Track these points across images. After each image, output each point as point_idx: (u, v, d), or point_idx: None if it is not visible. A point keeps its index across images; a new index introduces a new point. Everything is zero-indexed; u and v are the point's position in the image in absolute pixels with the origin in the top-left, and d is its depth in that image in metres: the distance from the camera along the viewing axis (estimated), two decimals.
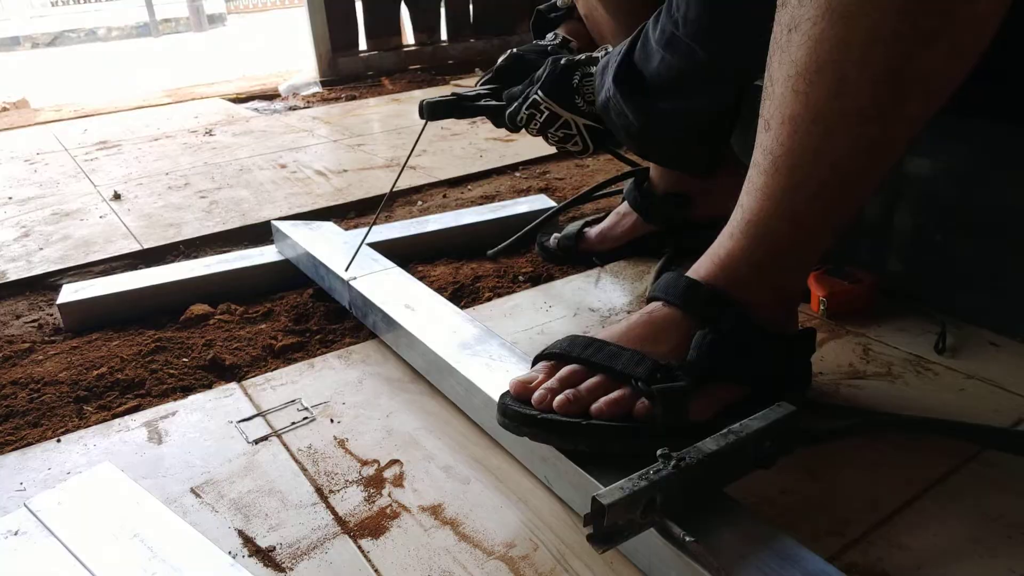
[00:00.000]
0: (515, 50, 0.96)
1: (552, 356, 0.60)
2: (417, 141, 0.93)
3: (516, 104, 0.88)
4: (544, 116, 0.86)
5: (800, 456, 0.59)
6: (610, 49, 0.85)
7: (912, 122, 0.52)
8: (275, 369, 0.84)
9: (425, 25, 3.13)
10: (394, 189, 1.07)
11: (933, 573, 0.51)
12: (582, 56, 0.87)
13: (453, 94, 0.92)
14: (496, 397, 0.60)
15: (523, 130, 0.90)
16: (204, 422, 0.74)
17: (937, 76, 0.50)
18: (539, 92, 0.86)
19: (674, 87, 0.77)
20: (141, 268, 1.11)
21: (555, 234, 1.08)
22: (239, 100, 2.76)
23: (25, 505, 0.61)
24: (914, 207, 0.83)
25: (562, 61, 0.86)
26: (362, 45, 3.02)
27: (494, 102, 0.92)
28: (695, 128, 0.84)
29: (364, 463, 0.67)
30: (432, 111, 0.90)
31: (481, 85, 0.95)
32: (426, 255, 1.12)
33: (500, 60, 0.96)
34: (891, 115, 0.51)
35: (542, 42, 1.01)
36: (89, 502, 0.62)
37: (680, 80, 0.76)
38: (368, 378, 0.80)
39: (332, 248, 1.01)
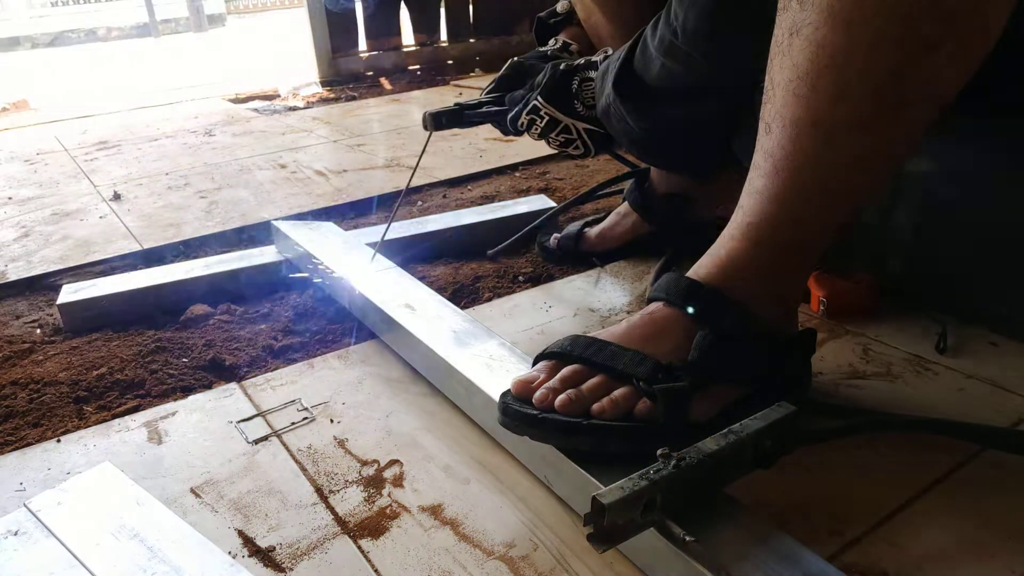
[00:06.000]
0: (516, 59, 0.96)
1: (553, 356, 0.60)
2: (423, 152, 0.94)
3: (517, 109, 0.89)
4: (544, 121, 0.87)
5: (800, 456, 0.59)
6: (609, 52, 0.85)
7: (913, 127, 0.52)
8: (275, 369, 0.84)
9: (425, 26, 3.13)
10: (397, 191, 1.07)
11: (933, 573, 0.51)
12: (581, 60, 0.87)
13: (456, 104, 0.92)
14: (496, 397, 0.60)
15: (525, 133, 0.90)
16: (204, 422, 0.74)
17: (939, 81, 0.50)
18: (539, 97, 0.86)
19: (674, 93, 0.77)
20: (141, 268, 1.11)
21: (555, 234, 1.08)
22: (239, 100, 2.76)
23: (25, 505, 0.61)
24: (914, 207, 0.83)
25: (561, 66, 0.86)
26: (362, 45, 3.02)
27: (496, 108, 0.93)
28: (696, 133, 0.84)
29: (364, 463, 0.67)
30: (436, 121, 0.90)
31: (485, 95, 0.96)
32: (426, 255, 1.12)
33: (502, 69, 0.96)
34: (892, 120, 0.51)
35: (542, 48, 1.01)
36: (89, 502, 0.62)
37: (680, 86, 0.76)
38: (368, 378, 0.80)
39: (332, 248, 1.01)
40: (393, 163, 1.67)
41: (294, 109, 2.49)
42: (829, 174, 0.54)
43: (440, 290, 0.98)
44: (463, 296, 1.00)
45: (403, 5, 3.05)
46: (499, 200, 1.36)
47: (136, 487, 0.63)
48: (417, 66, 3.11)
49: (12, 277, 1.14)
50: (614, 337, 0.60)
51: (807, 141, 0.52)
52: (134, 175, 1.72)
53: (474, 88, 2.57)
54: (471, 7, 3.19)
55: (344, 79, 2.92)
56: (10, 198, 1.60)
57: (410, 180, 0.96)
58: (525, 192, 1.40)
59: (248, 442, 0.71)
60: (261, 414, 0.75)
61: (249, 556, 0.57)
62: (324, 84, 2.89)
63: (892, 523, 0.55)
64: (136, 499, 0.62)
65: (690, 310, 0.59)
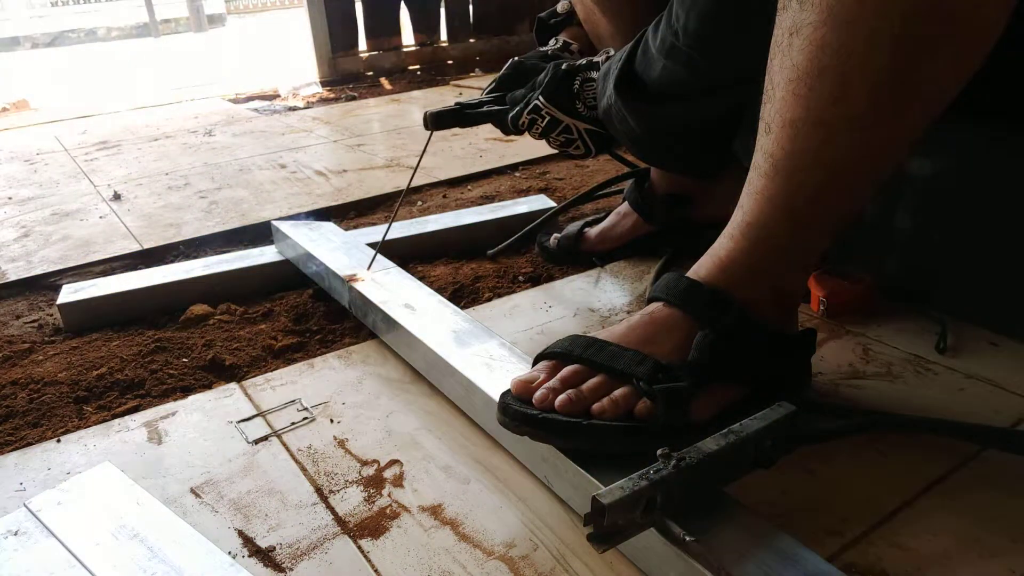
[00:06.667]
0: (516, 59, 0.96)
1: (553, 356, 0.60)
2: (423, 152, 0.94)
3: (518, 108, 0.89)
4: (545, 121, 0.87)
5: (800, 456, 0.59)
6: (611, 53, 0.85)
7: (913, 127, 0.52)
8: (275, 369, 0.84)
9: (425, 25, 3.13)
10: (396, 191, 1.07)
11: (933, 573, 0.51)
12: (583, 61, 0.87)
13: (456, 103, 0.92)
14: (496, 397, 0.60)
15: (526, 133, 0.90)
16: (204, 422, 0.74)
17: (939, 82, 0.50)
18: (540, 97, 0.86)
19: (676, 94, 0.77)
20: (141, 268, 1.11)
21: (555, 234, 1.08)
22: (239, 100, 2.76)
23: (25, 505, 0.61)
24: (914, 207, 0.83)
25: (563, 66, 0.86)
26: (362, 45, 3.02)
27: (496, 107, 0.92)
28: (697, 134, 0.84)
29: (364, 463, 0.67)
30: (437, 121, 0.90)
31: (486, 94, 0.96)
32: (426, 255, 1.12)
33: (503, 69, 0.96)
34: (892, 120, 0.51)
35: (543, 48, 1.01)
36: (89, 502, 0.62)
37: (682, 87, 0.76)
38: (368, 378, 0.80)
39: (332, 248, 1.01)
40: (393, 163, 1.67)
41: (294, 109, 2.49)
42: (829, 174, 0.54)
43: (440, 290, 0.98)
44: (463, 296, 1.00)
45: (403, 5, 3.05)
46: (499, 200, 1.36)
47: (136, 487, 0.63)
48: (417, 66, 3.11)
49: (12, 277, 1.14)
50: (614, 337, 0.60)
51: (807, 141, 0.53)
52: (134, 175, 1.71)
53: (474, 88, 2.57)
54: (471, 7, 3.19)
55: (344, 79, 2.92)
56: (10, 198, 1.60)
57: (411, 179, 0.96)
58: (525, 192, 1.40)
59: (248, 442, 0.71)
60: (261, 414, 0.75)
61: (249, 556, 0.57)
62: (324, 84, 2.89)
63: (892, 523, 0.55)
64: (136, 499, 0.62)
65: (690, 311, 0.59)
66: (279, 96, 2.81)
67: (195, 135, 2.12)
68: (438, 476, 0.64)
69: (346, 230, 1.11)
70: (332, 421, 0.73)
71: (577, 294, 0.97)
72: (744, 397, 0.59)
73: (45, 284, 1.14)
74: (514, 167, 1.59)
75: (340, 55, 2.94)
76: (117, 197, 1.54)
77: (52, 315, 1.02)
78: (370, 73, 3.00)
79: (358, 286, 0.90)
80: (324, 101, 2.59)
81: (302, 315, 0.97)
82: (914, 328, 0.81)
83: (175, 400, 0.79)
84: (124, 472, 0.65)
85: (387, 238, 1.09)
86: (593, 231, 1.06)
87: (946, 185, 0.80)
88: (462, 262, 1.10)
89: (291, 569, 0.55)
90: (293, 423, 0.73)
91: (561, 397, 0.55)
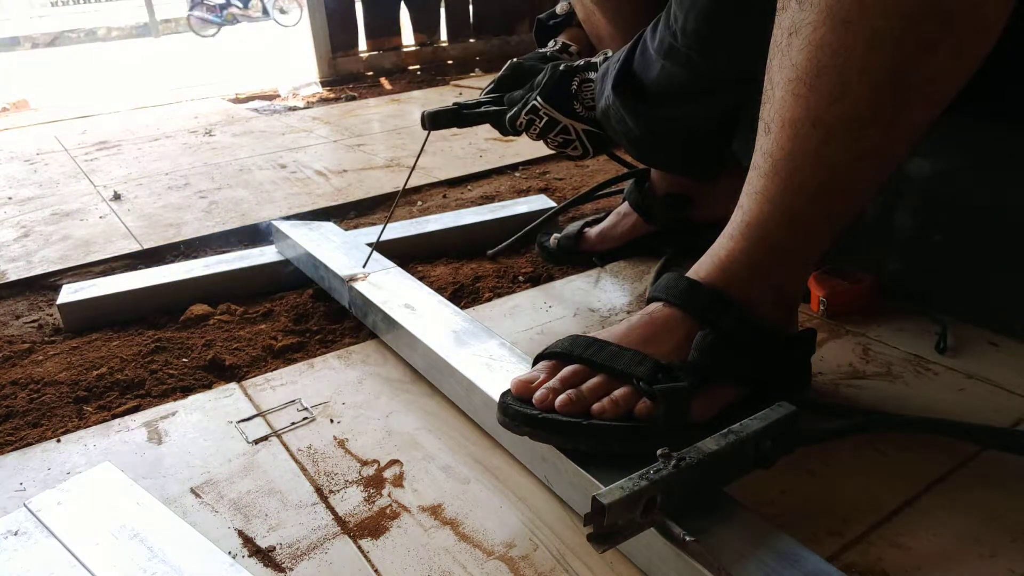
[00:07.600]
0: (515, 60, 0.97)
1: (553, 356, 0.60)
2: (421, 152, 0.94)
3: (516, 109, 0.89)
4: (543, 122, 0.87)
5: (800, 456, 0.59)
6: (610, 54, 0.85)
7: (912, 127, 0.52)
8: (275, 369, 0.84)
9: (425, 25, 3.13)
10: (396, 191, 1.08)
11: (933, 573, 0.51)
12: (581, 62, 0.87)
13: (454, 103, 0.92)
14: (496, 397, 0.60)
15: (523, 134, 0.90)
16: (204, 422, 0.74)
17: (938, 82, 0.50)
18: (538, 98, 0.86)
19: (674, 95, 0.77)
20: (141, 268, 1.12)
21: (555, 234, 1.08)
22: (239, 100, 2.76)
23: (25, 505, 0.61)
24: (914, 207, 0.83)
25: (561, 67, 0.86)
26: (362, 45, 3.03)
27: (494, 108, 0.93)
28: (696, 135, 0.84)
29: (364, 463, 0.67)
30: (433, 121, 0.90)
31: (484, 95, 0.96)
32: (426, 255, 1.12)
33: (502, 70, 0.96)
34: (891, 120, 0.51)
35: (542, 49, 1.01)
36: (89, 502, 0.62)
37: (681, 88, 0.76)
38: (368, 378, 0.80)
39: (332, 248, 1.01)
40: (393, 163, 1.67)
41: (294, 109, 2.49)
42: (828, 174, 0.54)
43: (440, 290, 0.98)
44: (463, 296, 1.00)
45: (403, 5, 3.05)
46: (499, 200, 1.36)
47: (136, 487, 0.63)
48: (417, 66, 3.11)
49: (12, 277, 1.14)
50: (614, 337, 0.60)
51: (806, 141, 0.53)
52: (134, 175, 1.71)
53: (474, 88, 2.58)
54: (471, 7, 3.19)
55: (344, 79, 2.92)
56: (10, 198, 1.60)
57: (408, 178, 0.96)
58: (525, 192, 1.41)
59: (248, 442, 0.71)
60: (261, 414, 0.75)
61: (249, 556, 0.57)
62: (324, 84, 2.89)
63: (892, 523, 0.55)
64: (136, 499, 0.62)
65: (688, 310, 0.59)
66: (279, 96, 2.81)
67: (195, 135, 2.12)
68: (438, 476, 0.64)
69: (346, 230, 1.11)
70: (332, 421, 0.73)
71: (577, 294, 0.97)
72: (744, 397, 0.59)
73: (45, 284, 1.14)
74: (514, 167, 1.59)
75: (340, 55, 2.94)
76: (117, 197, 1.54)
77: (52, 315, 1.02)
78: (370, 73, 3.00)
79: (358, 286, 0.90)
80: (324, 101, 2.59)
81: (302, 315, 0.97)
82: (914, 328, 0.81)
83: (175, 400, 0.79)
84: (124, 472, 0.65)
85: (387, 238, 1.09)
86: (593, 231, 1.06)
87: (946, 185, 0.80)
88: (462, 262, 1.10)
89: (291, 569, 0.55)
90: (293, 423, 0.73)
91: (561, 397, 0.55)
